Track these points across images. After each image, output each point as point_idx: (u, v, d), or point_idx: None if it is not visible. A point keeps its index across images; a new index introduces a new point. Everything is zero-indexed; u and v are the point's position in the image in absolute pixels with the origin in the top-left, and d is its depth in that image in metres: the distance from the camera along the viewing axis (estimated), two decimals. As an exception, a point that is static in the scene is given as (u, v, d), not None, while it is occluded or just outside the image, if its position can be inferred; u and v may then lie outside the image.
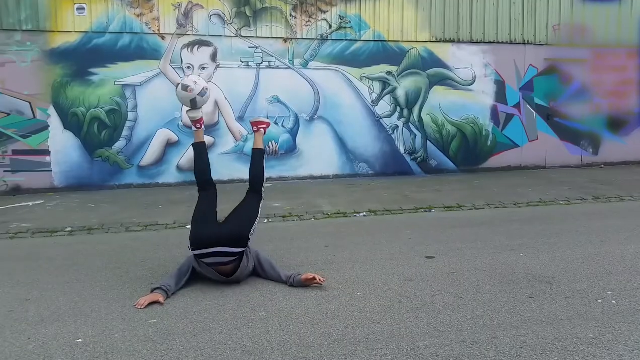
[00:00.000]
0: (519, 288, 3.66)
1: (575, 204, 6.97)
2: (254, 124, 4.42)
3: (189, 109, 4.05)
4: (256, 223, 3.92)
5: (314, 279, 3.68)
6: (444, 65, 9.76)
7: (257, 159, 4.23)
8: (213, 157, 8.44)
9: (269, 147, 9.06)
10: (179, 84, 4.00)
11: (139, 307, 3.39)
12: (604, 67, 10.49)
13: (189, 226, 4.02)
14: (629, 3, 10.47)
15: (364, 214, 6.44)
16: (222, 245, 3.65)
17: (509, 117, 10.21)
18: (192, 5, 8.54)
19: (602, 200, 7.21)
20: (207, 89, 3.99)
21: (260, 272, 3.90)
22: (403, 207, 6.75)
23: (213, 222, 3.86)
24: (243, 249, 3.76)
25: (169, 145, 8.74)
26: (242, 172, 8.31)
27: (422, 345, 2.87)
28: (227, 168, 8.79)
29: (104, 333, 3.06)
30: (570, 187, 8.12)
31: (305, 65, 9.15)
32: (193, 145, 4.26)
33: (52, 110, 8.28)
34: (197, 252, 3.71)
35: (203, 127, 4.25)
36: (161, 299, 3.48)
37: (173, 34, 8.56)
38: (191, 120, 4.14)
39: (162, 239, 5.28)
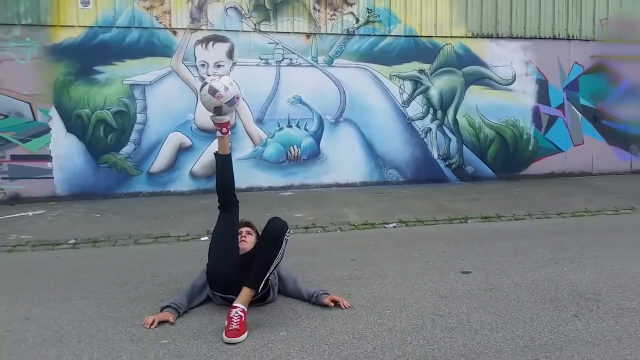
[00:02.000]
0: (562, 306, 3.62)
1: (624, 214, 6.82)
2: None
3: (212, 114, 3.62)
4: (279, 261, 3.47)
5: (338, 303, 3.57)
6: (481, 63, 9.49)
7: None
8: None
9: (290, 153, 8.82)
10: (206, 83, 3.54)
11: (147, 327, 3.29)
12: (657, 65, 10.21)
13: (203, 238, 3.86)
14: (683, -6, 10.22)
15: (394, 224, 6.36)
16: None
17: (552, 120, 9.94)
18: (206, -3, 8.36)
19: (654, 209, 7.09)
20: (238, 98, 3.58)
21: (281, 288, 3.75)
22: (436, 217, 6.67)
23: (233, 257, 3.54)
24: (266, 289, 3.54)
25: (182, 150, 8.48)
26: (261, 179, 8.73)
27: (458, 368, 2.81)
28: (245, 175, 8.53)
29: (111, 355, 3.01)
30: (618, 195, 7.95)
31: (329, 62, 8.88)
32: (215, 155, 3.80)
33: (53, 112, 8.04)
34: (215, 293, 3.57)
35: (230, 133, 3.74)
36: (171, 319, 3.36)
37: (186, 29, 8.31)
38: (215, 124, 3.66)
39: (174, 252, 5.23)
